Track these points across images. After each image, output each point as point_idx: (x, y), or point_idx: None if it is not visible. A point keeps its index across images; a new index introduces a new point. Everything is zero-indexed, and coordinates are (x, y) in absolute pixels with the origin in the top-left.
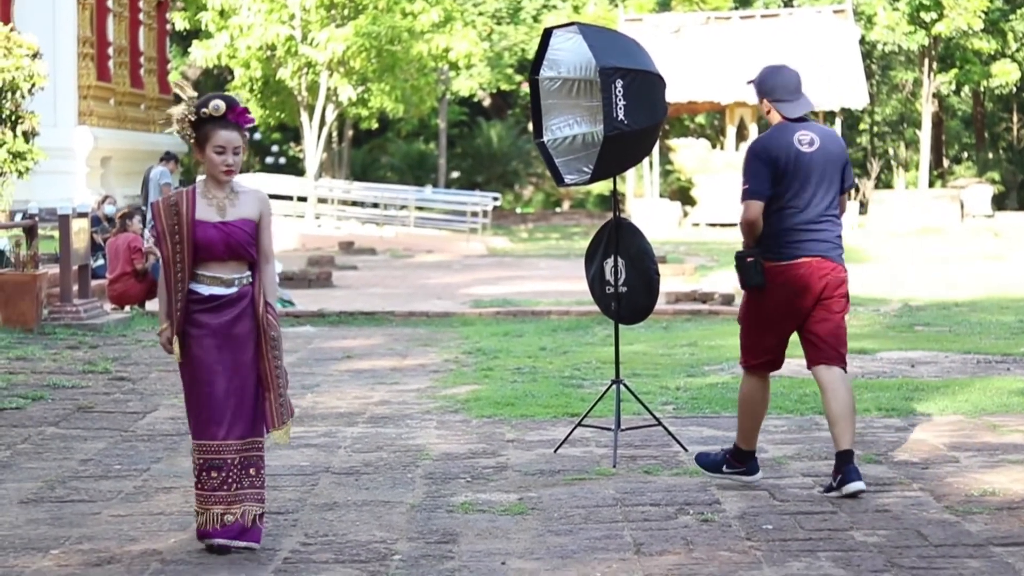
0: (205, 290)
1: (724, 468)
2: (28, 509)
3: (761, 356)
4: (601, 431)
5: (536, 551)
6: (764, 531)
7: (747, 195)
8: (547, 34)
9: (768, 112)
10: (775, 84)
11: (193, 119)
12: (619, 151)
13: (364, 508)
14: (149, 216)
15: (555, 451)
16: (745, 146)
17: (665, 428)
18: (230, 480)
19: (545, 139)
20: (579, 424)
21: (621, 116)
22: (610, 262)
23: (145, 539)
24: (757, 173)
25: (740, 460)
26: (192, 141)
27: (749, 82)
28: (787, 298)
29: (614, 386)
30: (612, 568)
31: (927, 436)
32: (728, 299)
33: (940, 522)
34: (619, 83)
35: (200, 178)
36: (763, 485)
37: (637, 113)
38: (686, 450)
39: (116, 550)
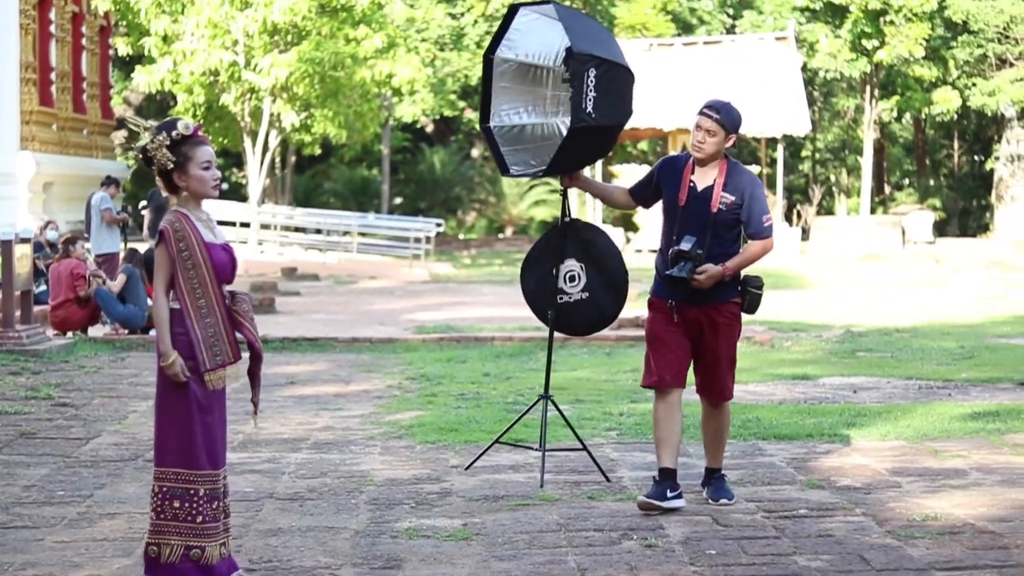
0: None
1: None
2: None
3: None
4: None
5: None
6: (708, 556)
7: (772, 228)
8: (513, 10)
9: (730, 144)
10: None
11: (169, 143)
12: (580, 146)
13: (308, 534)
14: (91, 245)
15: (466, 468)
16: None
17: (588, 452)
18: (226, 509)
19: (492, 124)
20: (497, 441)
21: (589, 108)
22: (564, 267)
23: (89, 565)
24: None
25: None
26: (171, 166)
27: (717, 113)
28: None
29: (542, 402)
30: None
31: (869, 461)
32: None
33: (883, 547)
34: (592, 72)
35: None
36: (706, 510)
37: (605, 108)
38: (608, 479)
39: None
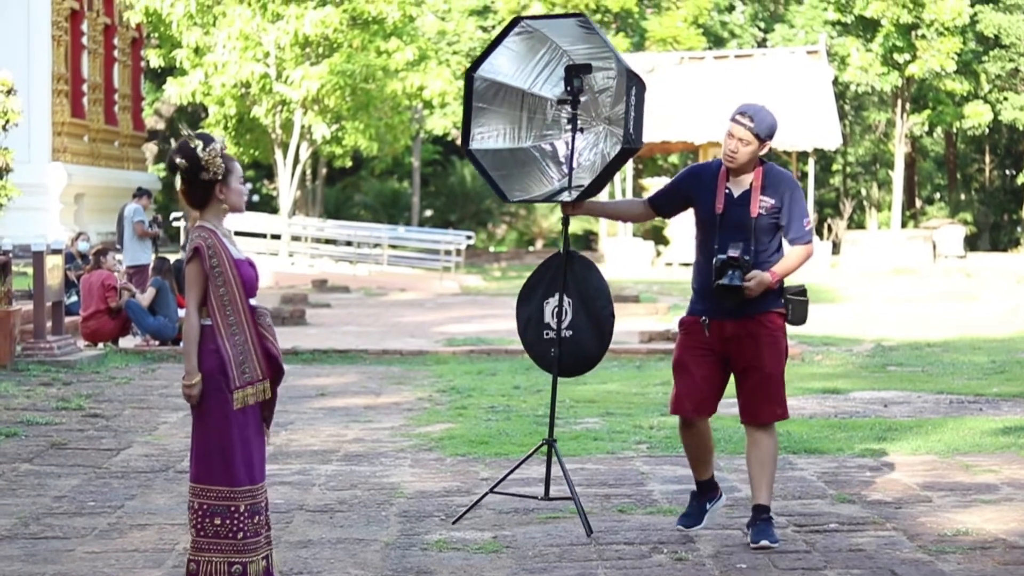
0: None
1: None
2: (2, 546)
3: None
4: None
5: None
6: (738, 570)
7: (812, 232)
8: (512, 24)
9: (764, 152)
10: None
11: (220, 153)
12: (614, 169)
13: (339, 546)
14: (123, 256)
15: (454, 522)
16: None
17: (578, 504)
18: (267, 522)
19: (472, 148)
20: (491, 491)
21: (631, 129)
22: (552, 301)
23: None
24: None
25: None
26: (220, 176)
27: (751, 121)
28: None
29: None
30: None
31: (900, 476)
32: None
33: (913, 562)
34: (634, 91)
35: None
36: (736, 524)
37: (638, 131)
38: (590, 532)
39: None
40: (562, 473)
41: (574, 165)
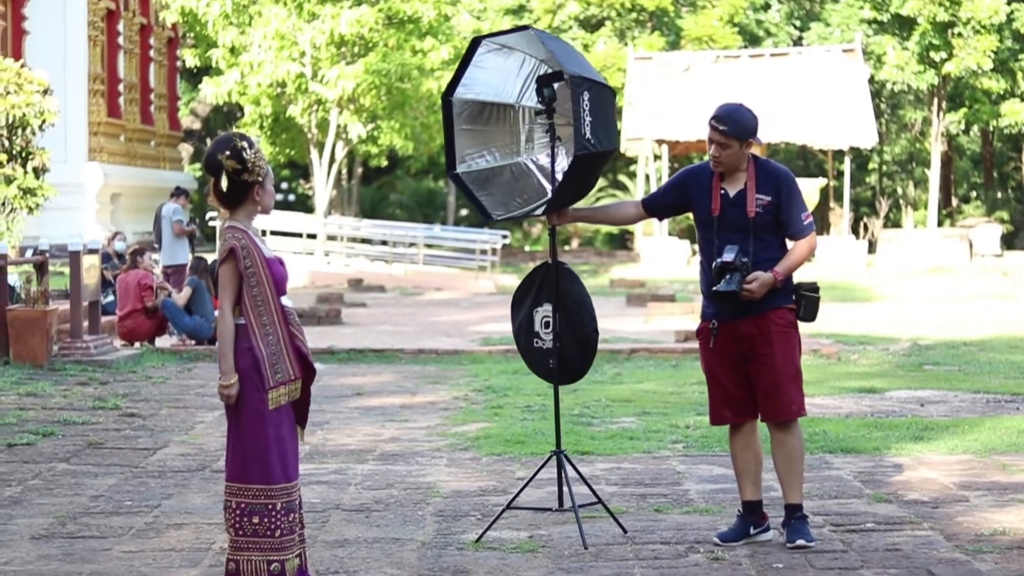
0: None
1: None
2: (39, 545)
3: None
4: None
5: None
6: (775, 570)
7: (813, 225)
8: (474, 44)
9: (748, 149)
10: (757, 123)
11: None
12: (580, 176)
13: (375, 545)
14: (160, 256)
15: (478, 539)
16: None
17: (606, 507)
18: (301, 519)
19: (459, 171)
20: (508, 507)
21: (587, 134)
22: (541, 311)
23: (156, 575)
24: None
25: None
26: (261, 178)
27: (724, 125)
28: None
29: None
30: None
31: (937, 475)
32: None
33: (950, 561)
34: (586, 96)
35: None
36: (773, 524)
37: (600, 133)
38: (625, 531)
39: None
40: (577, 479)
41: (558, 176)
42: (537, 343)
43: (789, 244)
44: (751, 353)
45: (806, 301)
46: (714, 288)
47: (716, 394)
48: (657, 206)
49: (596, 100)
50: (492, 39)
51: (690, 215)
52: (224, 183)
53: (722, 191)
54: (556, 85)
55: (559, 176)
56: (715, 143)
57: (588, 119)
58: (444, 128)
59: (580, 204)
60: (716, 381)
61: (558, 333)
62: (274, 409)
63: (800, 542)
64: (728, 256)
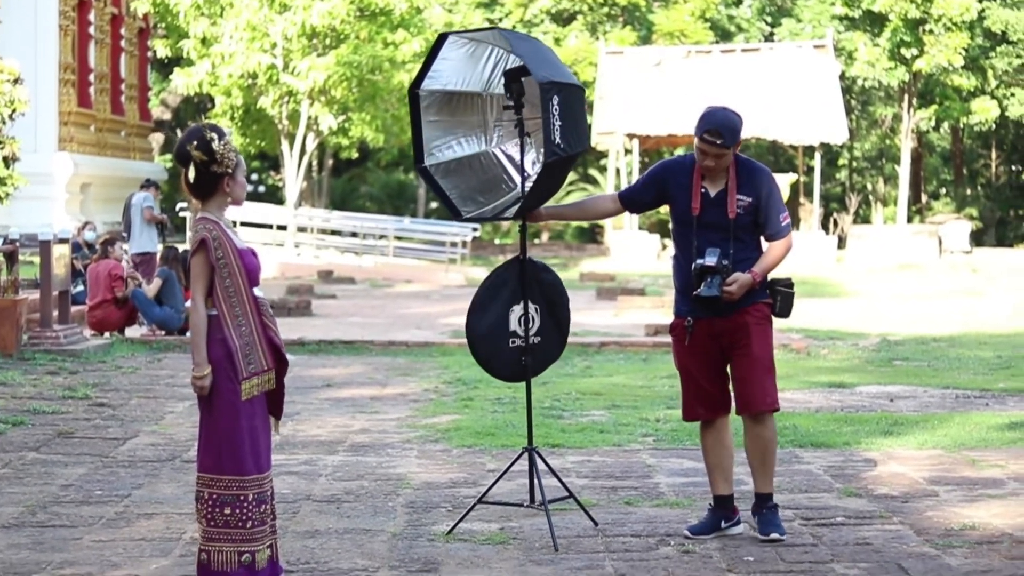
0: None
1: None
2: (9, 534)
3: None
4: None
5: None
6: (745, 563)
7: (790, 225)
8: (440, 39)
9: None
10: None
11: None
12: (550, 180)
13: (345, 536)
14: (129, 245)
15: (449, 532)
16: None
17: (577, 501)
18: (273, 511)
19: (427, 164)
20: (479, 501)
21: (558, 139)
22: (518, 309)
23: (127, 565)
24: None
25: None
26: (231, 169)
27: (720, 139)
28: None
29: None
30: None
31: (906, 470)
32: None
33: (920, 555)
34: (555, 100)
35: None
36: (743, 517)
37: (571, 136)
38: (596, 524)
39: (98, 575)
40: (547, 478)
41: (527, 172)
42: (515, 342)
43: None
44: (728, 347)
45: (781, 297)
46: (695, 293)
47: (689, 391)
48: (634, 200)
49: (565, 103)
50: (459, 34)
51: (662, 209)
52: (191, 174)
53: (703, 190)
54: (524, 79)
55: (528, 168)
56: (710, 155)
57: (558, 123)
58: (411, 122)
59: (551, 201)
60: (690, 378)
61: (540, 326)
62: (247, 400)
63: (774, 535)
64: (710, 260)
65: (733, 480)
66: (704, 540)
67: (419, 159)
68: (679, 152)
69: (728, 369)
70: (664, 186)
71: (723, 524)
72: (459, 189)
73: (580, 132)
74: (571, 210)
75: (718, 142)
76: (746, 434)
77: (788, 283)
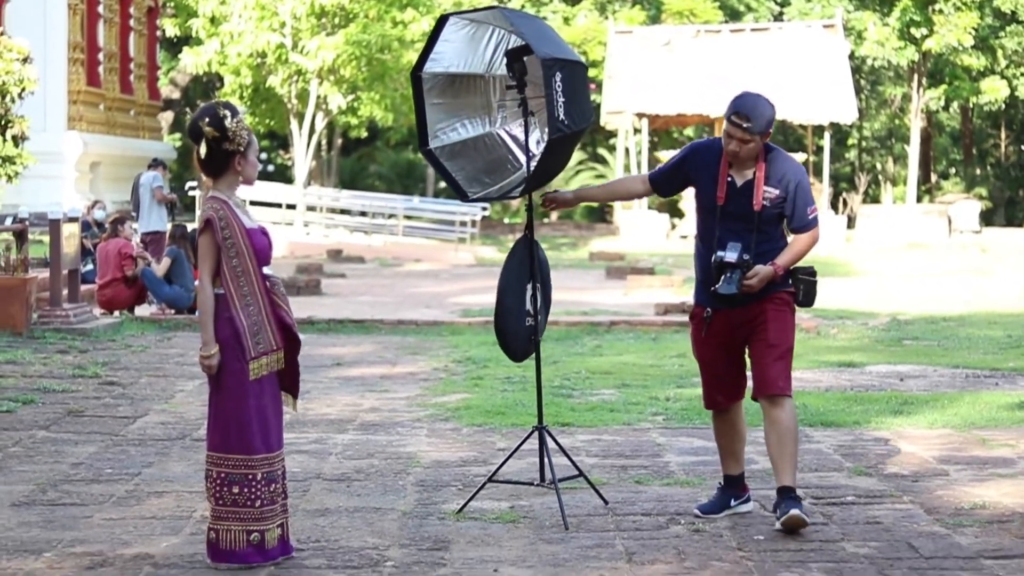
0: None
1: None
2: (20, 512)
3: None
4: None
5: (528, 559)
6: (755, 542)
7: (818, 219)
8: (441, 21)
9: (764, 142)
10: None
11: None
12: (555, 157)
13: (356, 514)
14: (139, 224)
15: (460, 510)
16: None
17: (587, 480)
18: (284, 490)
19: (432, 147)
20: (490, 480)
21: (562, 116)
22: (528, 288)
23: (137, 543)
24: None
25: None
26: (243, 148)
27: (747, 123)
28: None
29: (536, 433)
30: None
31: (916, 449)
32: None
33: (931, 534)
34: (558, 77)
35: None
36: (754, 496)
37: (575, 112)
38: (606, 503)
39: (108, 553)
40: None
41: (532, 151)
42: (528, 322)
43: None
44: (748, 335)
45: (804, 285)
46: (714, 288)
47: (708, 380)
48: (662, 183)
49: (568, 79)
50: (460, 15)
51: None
52: (203, 150)
53: (729, 179)
54: (526, 58)
55: (533, 149)
56: (735, 139)
57: (561, 100)
58: (415, 105)
59: (561, 180)
60: (707, 368)
61: (540, 304)
62: (255, 380)
63: (794, 511)
64: (731, 255)
65: (744, 460)
66: (714, 519)
67: (424, 142)
68: (688, 132)
69: (747, 354)
70: (691, 170)
71: (732, 502)
72: (465, 171)
73: (584, 108)
74: (600, 192)
75: (744, 125)
76: (764, 420)
77: (811, 271)
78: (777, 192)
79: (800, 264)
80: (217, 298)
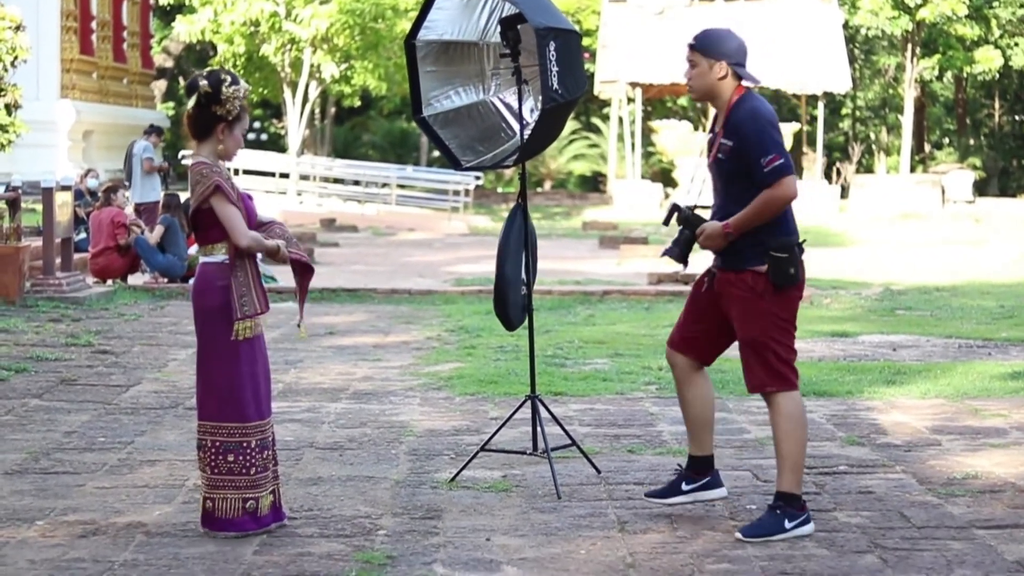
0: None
1: (787, 524)
2: (12, 480)
3: (794, 360)
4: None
5: (520, 528)
6: (748, 511)
7: (786, 168)
8: None
9: (722, 77)
10: (737, 47)
11: (241, 96)
12: (549, 126)
13: (348, 483)
14: (131, 192)
15: (452, 479)
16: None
17: (580, 449)
18: (274, 456)
19: (425, 115)
20: (482, 449)
21: (555, 85)
22: (522, 257)
23: (130, 511)
24: (782, 143)
25: (797, 505)
26: (231, 118)
27: (699, 47)
28: (800, 295)
29: (529, 402)
30: (597, 546)
31: (909, 419)
32: None
33: (923, 504)
34: (552, 46)
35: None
36: (746, 465)
37: (568, 81)
38: (598, 472)
39: (101, 522)
40: (550, 425)
41: (526, 119)
42: (524, 291)
43: None
44: (727, 314)
45: (772, 262)
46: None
47: (678, 321)
48: None
49: (563, 48)
50: None
51: (664, 157)
52: (191, 104)
53: (711, 133)
54: (520, 27)
55: (527, 117)
56: (688, 62)
57: (555, 69)
58: (408, 73)
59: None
60: (684, 311)
61: (532, 273)
62: (248, 347)
63: (739, 535)
64: (683, 201)
65: (706, 442)
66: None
67: (417, 110)
68: (682, 102)
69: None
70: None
71: (684, 486)
72: (458, 139)
73: (578, 77)
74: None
75: (691, 43)
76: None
77: (785, 246)
78: (730, 143)
79: (785, 239)
80: (213, 265)
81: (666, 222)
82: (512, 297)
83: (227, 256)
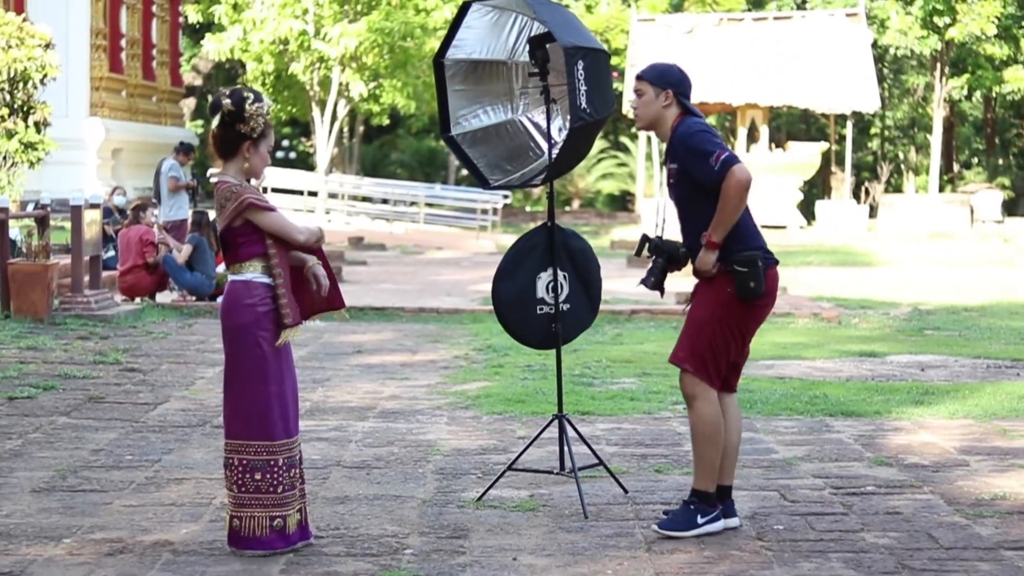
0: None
1: (699, 519)
2: (40, 498)
3: (724, 371)
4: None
5: (547, 547)
6: (775, 531)
7: (732, 158)
8: (464, 8)
9: (667, 105)
10: (681, 79)
11: (266, 113)
12: (577, 145)
13: (375, 502)
14: (159, 211)
15: (479, 498)
16: (758, 149)
17: (607, 468)
18: (301, 475)
19: (454, 133)
20: (510, 468)
21: (583, 104)
22: (545, 276)
23: (157, 530)
24: (720, 142)
25: (710, 502)
26: (255, 135)
27: (646, 76)
28: (766, 306)
29: (556, 422)
30: (623, 566)
31: (937, 439)
32: None
33: (951, 525)
34: (581, 65)
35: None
36: (773, 485)
37: (597, 101)
38: (626, 492)
39: (128, 540)
40: (577, 444)
41: (554, 139)
42: (542, 309)
43: None
44: None
45: (737, 277)
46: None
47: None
48: None
49: (591, 68)
50: (483, 2)
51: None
52: (215, 123)
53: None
54: (549, 46)
55: (555, 137)
56: (634, 92)
57: (584, 88)
58: (437, 91)
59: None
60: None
61: (569, 293)
62: (275, 364)
63: (664, 532)
64: (651, 232)
65: (724, 471)
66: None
67: (445, 128)
68: (710, 120)
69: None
70: None
71: (700, 519)
72: (487, 158)
73: (606, 97)
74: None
75: (639, 74)
76: None
77: (747, 261)
78: (675, 166)
79: (752, 253)
80: (240, 284)
81: (638, 253)
82: (515, 316)
83: (255, 274)
